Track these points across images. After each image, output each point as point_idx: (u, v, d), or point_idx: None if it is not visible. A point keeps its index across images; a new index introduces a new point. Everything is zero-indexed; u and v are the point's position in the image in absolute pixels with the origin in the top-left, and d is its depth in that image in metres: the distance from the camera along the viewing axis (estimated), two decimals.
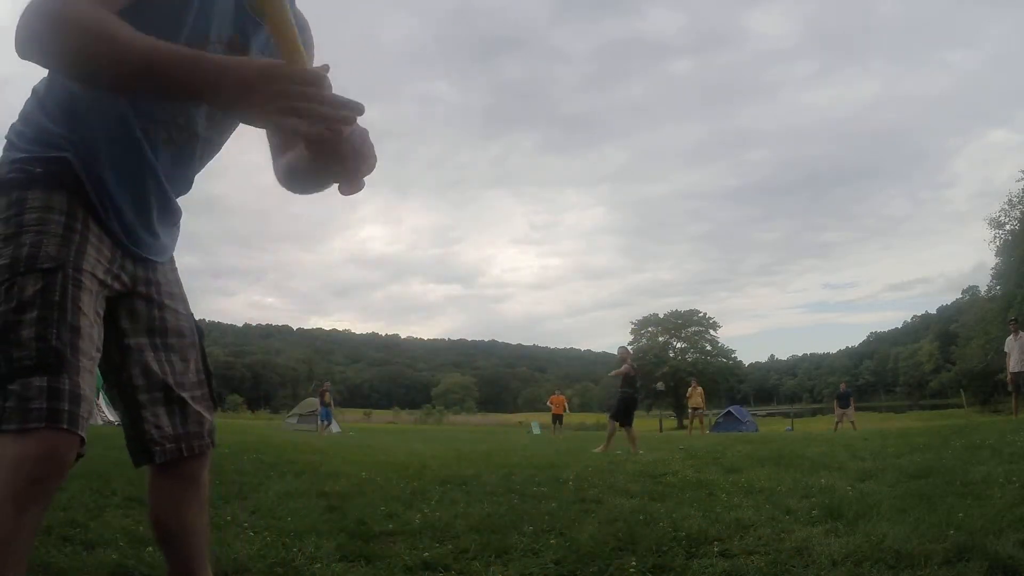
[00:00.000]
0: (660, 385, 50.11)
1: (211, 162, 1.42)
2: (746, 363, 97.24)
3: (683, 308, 65.56)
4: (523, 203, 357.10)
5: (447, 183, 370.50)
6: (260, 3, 1.01)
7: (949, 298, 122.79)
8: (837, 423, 19.39)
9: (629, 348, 14.04)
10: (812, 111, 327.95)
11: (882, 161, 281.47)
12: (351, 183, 1.04)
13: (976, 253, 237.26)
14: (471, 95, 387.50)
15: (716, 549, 2.67)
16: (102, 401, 11.64)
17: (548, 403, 23.97)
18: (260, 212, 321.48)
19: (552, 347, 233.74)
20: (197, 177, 1.39)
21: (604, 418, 20.60)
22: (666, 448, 9.08)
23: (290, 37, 0.98)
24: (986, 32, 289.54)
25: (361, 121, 1.01)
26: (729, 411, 30.41)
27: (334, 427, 21.66)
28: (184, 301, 1.39)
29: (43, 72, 1.20)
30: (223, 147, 1.39)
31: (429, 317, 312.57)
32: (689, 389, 21.42)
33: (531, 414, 60.85)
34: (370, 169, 1.04)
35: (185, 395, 1.33)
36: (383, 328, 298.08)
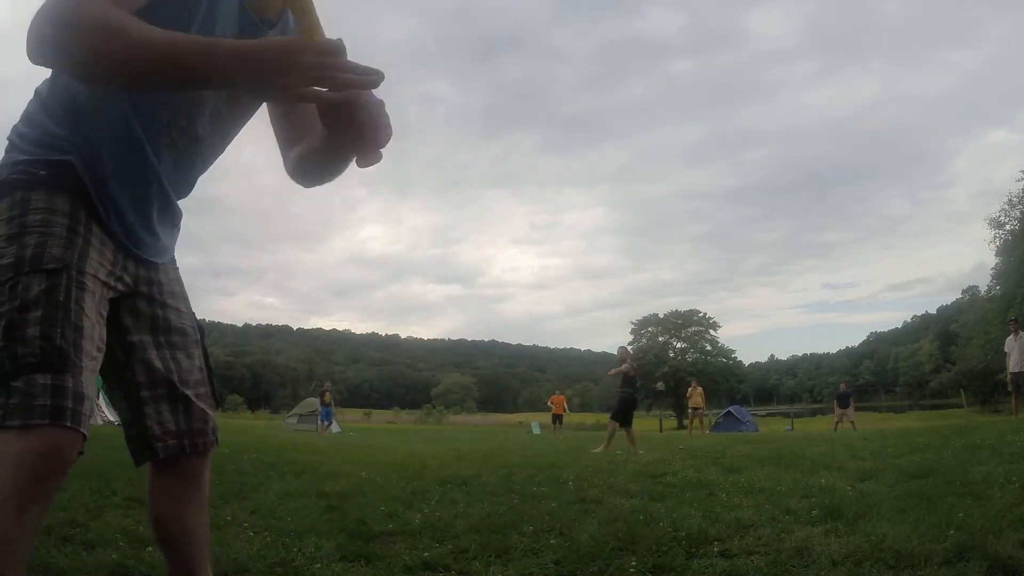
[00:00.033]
0: (660, 385, 50.11)
1: None
2: (746, 363, 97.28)
3: (683, 308, 65.60)
4: (523, 203, 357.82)
5: (447, 183, 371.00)
6: None
7: (949, 298, 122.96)
8: (837, 423, 19.40)
9: (629, 348, 14.04)
10: (812, 111, 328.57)
11: (882, 161, 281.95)
12: (369, 153, 1.07)
13: (976, 253, 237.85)
14: (471, 95, 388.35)
15: (716, 549, 2.67)
16: (102, 401, 11.65)
17: (548, 403, 23.98)
18: (260, 212, 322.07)
19: (552, 347, 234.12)
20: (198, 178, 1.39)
21: (604, 418, 20.62)
22: (666, 448, 9.08)
23: (309, 11, 1.04)
24: (986, 32, 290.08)
25: None
26: (729, 411, 30.39)
27: (334, 427, 21.68)
28: (185, 300, 1.40)
29: (45, 73, 1.20)
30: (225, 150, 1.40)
31: (429, 317, 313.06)
32: (689, 389, 21.41)
33: (531, 414, 60.86)
34: (387, 138, 1.07)
35: (189, 392, 1.33)
36: (383, 328, 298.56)
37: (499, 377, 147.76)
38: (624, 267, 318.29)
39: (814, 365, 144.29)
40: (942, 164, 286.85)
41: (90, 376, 1.09)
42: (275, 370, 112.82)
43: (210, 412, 1.37)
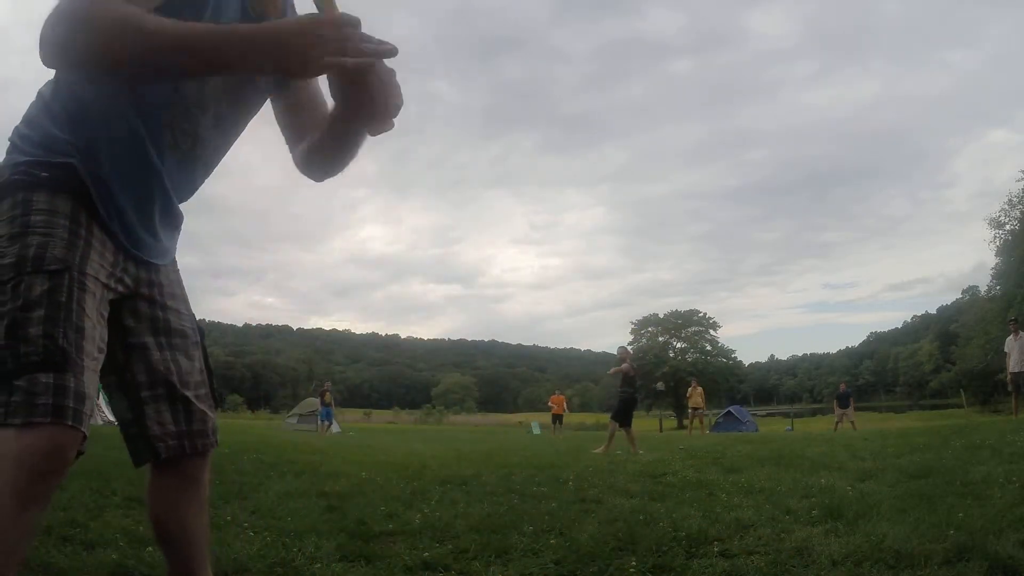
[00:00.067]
0: (660, 385, 50.10)
1: None
2: (746, 363, 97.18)
3: (683, 308, 65.55)
4: (523, 203, 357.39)
5: (447, 183, 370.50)
6: None
7: (949, 298, 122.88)
8: (837, 423, 19.40)
9: (629, 348, 14.04)
10: (812, 111, 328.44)
11: (882, 161, 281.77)
12: (381, 121, 1.11)
13: (976, 253, 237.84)
14: (471, 95, 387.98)
15: (716, 549, 2.67)
16: (102, 401, 11.64)
17: (549, 403, 23.97)
18: (260, 212, 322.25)
19: (552, 347, 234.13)
20: None
21: (604, 418, 20.63)
22: (666, 448, 9.08)
23: None
24: (986, 32, 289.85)
25: None
26: (729, 411, 30.38)
27: (335, 427, 21.68)
28: (186, 302, 1.41)
29: (46, 75, 1.21)
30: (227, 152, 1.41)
31: (429, 317, 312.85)
32: (689, 389, 21.41)
33: (531, 414, 60.85)
34: (398, 105, 1.10)
35: (189, 394, 1.34)
36: (383, 328, 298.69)
37: (499, 377, 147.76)
38: (624, 267, 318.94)
39: (814, 365, 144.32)
40: (942, 164, 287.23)
41: (91, 376, 1.10)
42: (275, 370, 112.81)
43: (210, 413, 1.38)
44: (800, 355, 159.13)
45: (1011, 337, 12.38)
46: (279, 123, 1.36)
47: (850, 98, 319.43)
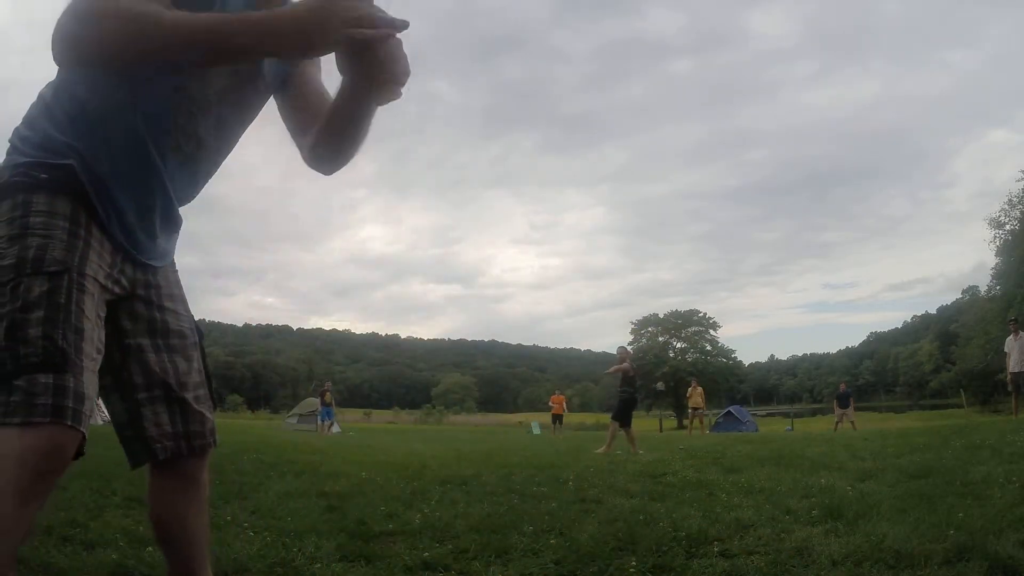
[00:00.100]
0: (660, 385, 50.09)
1: None
2: (746, 363, 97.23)
3: (683, 308, 65.59)
4: (523, 203, 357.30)
5: (447, 183, 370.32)
6: None
7: (949, 298, 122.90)
8: (837, 423, 19.40)
9: (629, 348, 14.03)
10: (812, 111, 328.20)
11: (882, 161, 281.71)
12: (390, 89, 1.12)
13: (976, 253, 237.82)
14: (471, 95, 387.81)
15: (716, 549, 2.67)
16: (102, 401, 11.66)
17: (549, 403, 23.97)
18: (260, 212, 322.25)
19: (552, 347, 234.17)
20: None
21: (604, 418, 20.63)
22: (666, 448, 9.08)
23: None
24: (986, 32, 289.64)
25: None
26: (729, 411, 30.40)
27: (335, 427, 21.68)
28: (184, 303, 1.41)
29: (47, 76, 1.21)
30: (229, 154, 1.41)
31: (429, 317, 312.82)
32: (689, 389, 21.41)
33: (531, 414, 60.85)
34: (407, 73, 1.11)
35: (187, 395, 1.34)
36: (383, 328, 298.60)
37: (499, 377, 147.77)
38: (624, 267, 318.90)
39: (814, 365, 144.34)
40: (942, 164, 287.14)
41: (90, 377, 1.11)
42: (275, 370, 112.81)
43: (208, 414, 1.38)
44: (800, 355, 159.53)
45: (1011, 337, 12.38)
46: (284, 120, 1.36)
47: (850, 98, 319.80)
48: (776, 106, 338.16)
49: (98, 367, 1.16)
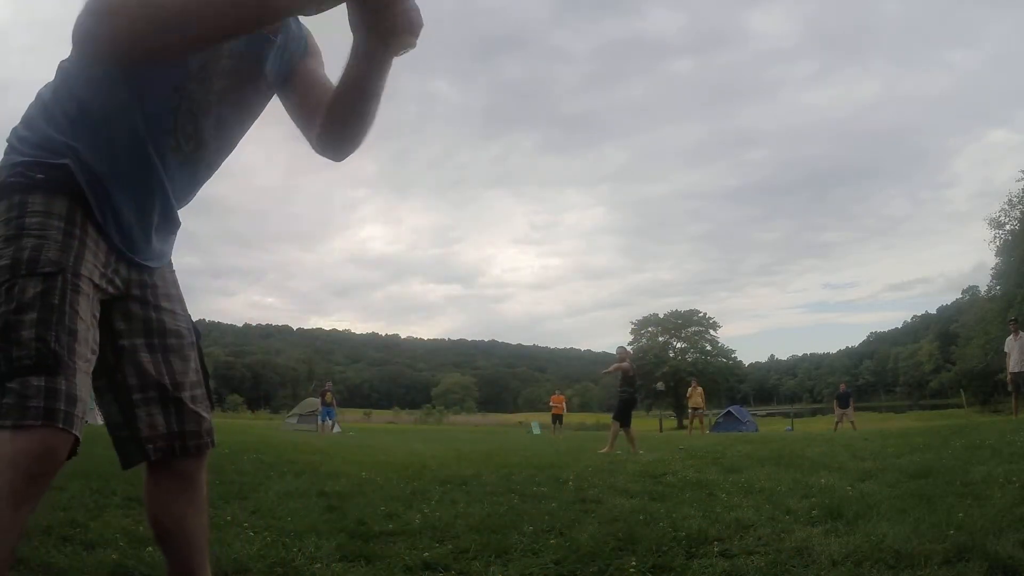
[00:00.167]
0: (660, 385, 50.12)
1: None
2: (746, 363, 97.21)
3: (683, 308, 65.60)
4: (523, 203, 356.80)
5: (447, 183, 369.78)
6: None
7: (949, 298, 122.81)
8: (837, 423, 19.41)
9: (629, 348, 14.04)
10: (812, 111, 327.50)
11: (882, 161, 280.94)
12: (404, 39, 1.12)
13: (976, 253, 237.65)
14: (471, 95, 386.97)
15: (716, 549, 2.67)
16: (96, 402, 11.65)
17: (550, 403, 23.97)
18: (260, 212, 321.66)
19: (552, 347, 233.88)
20: None
21: (604, 418, 20.64)
22: (666, 448, 9.08)
23: None
24: (986, 32, 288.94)
25: None
26: (729, 411, 30.42)
27: (336, 427, 21.67)
28: (181, 303, 1.40)
29: (46, 76, 1.21)
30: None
31: (429, 317, 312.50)
32: (689, 389, 21.40)
33: (531, 414, 60.88)
34: (419, 24, 1.12)
35: (183, 395, 1.34)
36: (383, 328, 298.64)
37: (499, 377, 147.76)
38: (624, 267, 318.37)
39: (814, 365, 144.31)
40: (942, 164, 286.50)
41: (84, 379, 1.11)
42: (275, 370, 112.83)
43: (204, 414, 1.38)
44: (800, 355, 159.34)
45: (1011, 337, 12.38)
46: (291, 116, 1.36)
47: (850, 98, 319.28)
48: (776, 106, 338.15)
49: (92, 368, 1.16)
